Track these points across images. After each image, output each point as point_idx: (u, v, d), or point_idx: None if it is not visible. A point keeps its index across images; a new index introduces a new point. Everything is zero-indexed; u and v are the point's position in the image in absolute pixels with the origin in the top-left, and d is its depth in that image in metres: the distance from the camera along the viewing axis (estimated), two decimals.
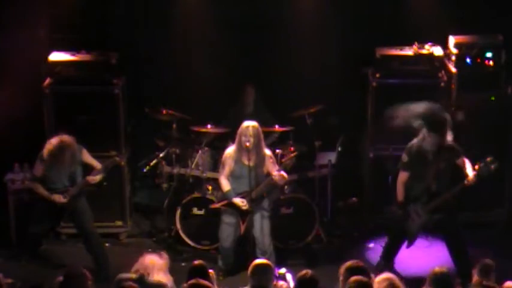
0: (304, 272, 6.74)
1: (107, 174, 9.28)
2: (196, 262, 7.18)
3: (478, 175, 8.57)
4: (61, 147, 8.92)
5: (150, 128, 10.81)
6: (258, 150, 9.03)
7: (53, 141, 8.96)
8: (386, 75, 10.08)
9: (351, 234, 10.39)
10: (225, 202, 9.23)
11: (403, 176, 8.85)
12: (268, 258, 8.08)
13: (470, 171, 8.66)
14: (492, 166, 8.58)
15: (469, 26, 10.25)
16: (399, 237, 9.06)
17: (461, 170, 8.74)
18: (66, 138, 8.96)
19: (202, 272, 6.98)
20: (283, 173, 9.06)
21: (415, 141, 8.81)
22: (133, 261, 7.28)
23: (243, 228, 9.18)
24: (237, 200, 9.12)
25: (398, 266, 9.08)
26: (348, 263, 6.72)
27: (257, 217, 9.15)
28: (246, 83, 10.65)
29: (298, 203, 9.96)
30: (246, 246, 9.24)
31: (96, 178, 9.14)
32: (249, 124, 9.02)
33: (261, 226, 9.12)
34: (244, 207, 9.09)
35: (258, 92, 10.61)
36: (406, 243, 9.01)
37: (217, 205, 9.38)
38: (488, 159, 8.60)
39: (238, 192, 9.15)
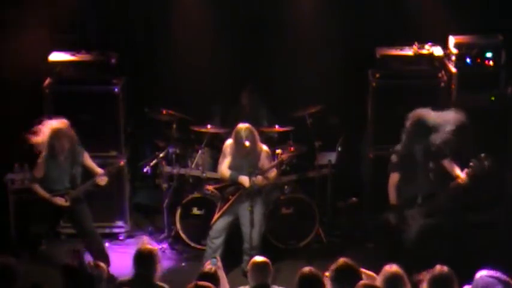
0: (307, 269, 6.52)
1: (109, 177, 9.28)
2: (207, 268, 6.95)
3: (473, 173, 8.44)
4: (55, 134, 8.87)
5: (150, 128, 10.82)
6: (254, 148, 9.12)
7: (46, 131, 8.90)
8: (386, 75, 10.08)
9: (351, 234, 10.39)
10: (221, 185, 9.36)
11: (393, 178, 8.74)
12: (256, 254, 8.11)
13: (459, 172, 8.56)
14: (486, 162, 8.41)
15: (469, 26, 10.25)
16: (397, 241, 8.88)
17: (450, 171, 8.63)
18: (57, 124, 8.89)
19: (212, 279, 6.85)
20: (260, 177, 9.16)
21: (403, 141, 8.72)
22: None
23: (216, 216, 9.20)
24: (244, 178, 9.14)
25: None
26: (339, 262, 6.60)
27: (245, 212, 9.11)
28: (245, 83, 10.65)
29: (298, 203, 9.95)
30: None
31: (104, 179, 9.12)
32: (241, 128, 9.07)
33: (250, 221, 9.01)
34: (246, 185, 9.10)
35: (256, 92, 10.61)
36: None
37: (217, 186, 9.56)
38: (482, 155, 8.47)
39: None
